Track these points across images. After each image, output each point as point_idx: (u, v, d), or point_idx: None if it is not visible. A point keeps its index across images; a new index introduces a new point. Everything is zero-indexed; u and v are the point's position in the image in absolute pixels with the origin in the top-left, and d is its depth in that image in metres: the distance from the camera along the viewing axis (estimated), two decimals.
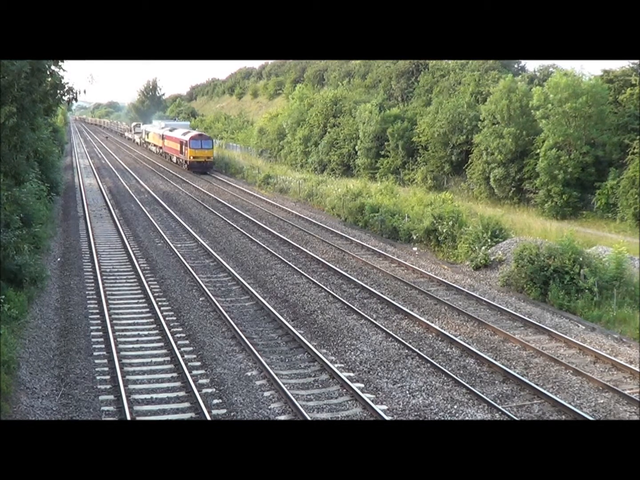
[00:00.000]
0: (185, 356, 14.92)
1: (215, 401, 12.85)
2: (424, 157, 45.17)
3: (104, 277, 21.28)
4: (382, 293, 20.47)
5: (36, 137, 21.53)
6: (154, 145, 75.87)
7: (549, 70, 45.29)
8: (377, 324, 17.57)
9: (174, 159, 63.53)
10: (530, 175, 36.70)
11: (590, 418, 12.42)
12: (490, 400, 13.05)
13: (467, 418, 12.42)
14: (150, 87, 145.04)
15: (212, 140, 59.71)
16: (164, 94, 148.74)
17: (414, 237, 28.26)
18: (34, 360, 14.38)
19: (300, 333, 16.58)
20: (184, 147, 57.75)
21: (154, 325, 17.06)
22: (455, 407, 12.90)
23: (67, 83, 16.55)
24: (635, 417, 12.68)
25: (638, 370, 14.70)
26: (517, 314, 18.62)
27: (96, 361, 14.64)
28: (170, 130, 67.00)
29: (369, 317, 18.05)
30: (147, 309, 18.34)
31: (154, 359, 14.87)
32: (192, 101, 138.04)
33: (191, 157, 56.22)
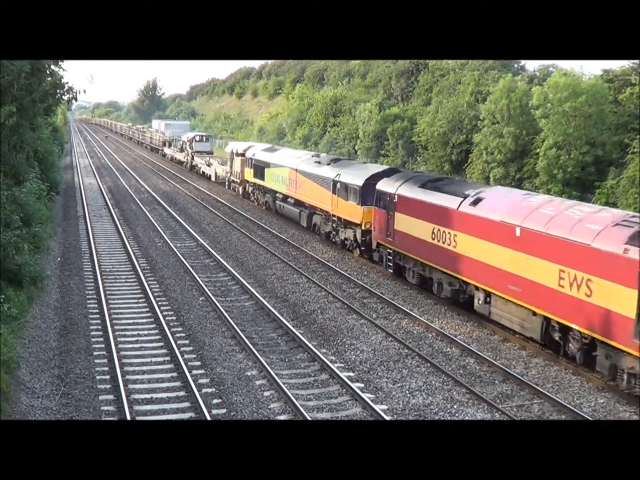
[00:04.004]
0: (185, 356, 14.91)
1: (215, 401, 12.85)
2: (424, 156, 45.17)
3: (104, 277, 21.27)
4: (382, 293, 20.46)
5: (36, 137, 21.54)
6: (316, 210, 28.24)
7: (549, 70, 45.24)
8: (377, 323, 17.57)
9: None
10: (530, 174, 36.68)
11: (590, 418, 12.42)
12: (490, 400, 13.04)
13: (467, 418, 12.42)
14: (150, 87, 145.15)
15: None
16: (164, 94, 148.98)
17: None
18: (33, 360, 14.37)
19: (300, 333, 16.58)
20: None
21: (153, 325, 17.05)
22: (455, 407, 12.89)
23: (67, 83, 16.54)
24: (635, 417, 12.67)
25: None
26: None
27: (96, 361, 14.63)
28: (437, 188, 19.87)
29: (368, 317, 18.04)
30: (147, 309, 18.34)
31: (153, 359, 14.86)
32: (192, 101, 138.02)
33: None
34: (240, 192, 40.68)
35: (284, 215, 32.78)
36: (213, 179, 47.98)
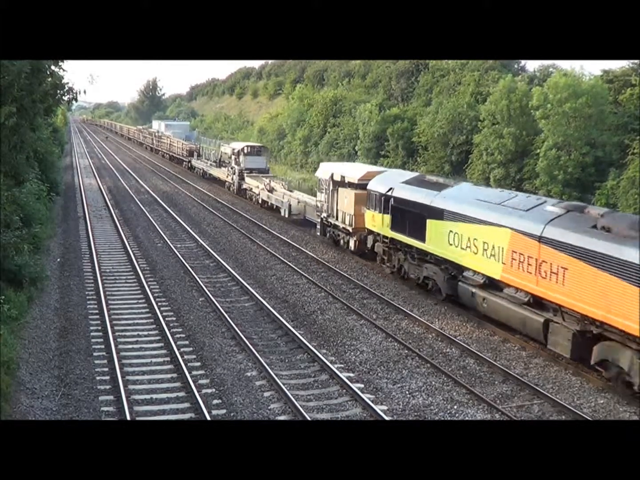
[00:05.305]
0: (185, 356, 14.90)
1: (215, 401, 12.84)
2: (424, 157, 45.22)
3: (104, 278, 21.26)
4: (381, 293, 20.45)
5: (36, 137, 21.54)
6: None
7: (549, 70, 45.28)
8: (377, 324, 17.56)
9: None
10: (530, 175, 36.72)
11: (590, 418, 12.41)
12: (490, 401, 13.04)
13: (467, 418, 12.41)
14: (150, 87, 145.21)
15: None
16: (164, 94, 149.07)
17: None
18: (33, 361, 14.37)
19: (300, 333, 16.57)
20: None
21: (153, 326, 17.04)
22: (455, 407, 12.89)
23: (67, 83, 16.55)
24: (635, 417, 12.67)
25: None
26: None
27: (96, 362, 14.63)
28: None
29: (368, 318, 18.03)
30: (147, 310, 18.33)
31: (153, 360, 14.86)
32: (192, 101, 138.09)
33: None
34: (353, 247, 24.39)
35: (486, 315, 17.18)
36: (284, 213, 31.60)
